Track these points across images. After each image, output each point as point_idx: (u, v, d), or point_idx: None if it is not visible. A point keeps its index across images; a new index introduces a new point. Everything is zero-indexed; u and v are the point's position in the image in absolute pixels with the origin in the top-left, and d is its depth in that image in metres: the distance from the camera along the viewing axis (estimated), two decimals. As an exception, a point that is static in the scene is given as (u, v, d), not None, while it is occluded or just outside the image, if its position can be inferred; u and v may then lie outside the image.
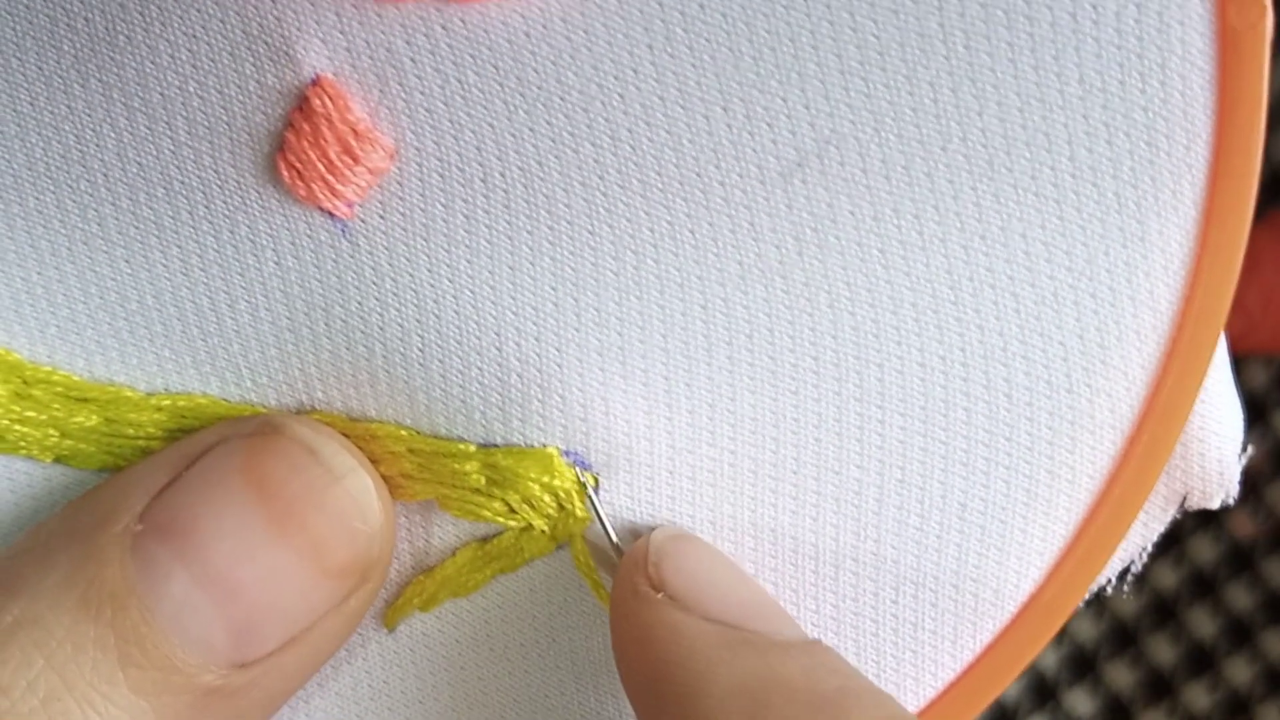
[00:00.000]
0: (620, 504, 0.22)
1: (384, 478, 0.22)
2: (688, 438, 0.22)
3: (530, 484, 0.21)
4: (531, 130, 0.21)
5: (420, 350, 0.21)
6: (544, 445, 0.21)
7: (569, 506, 0.22)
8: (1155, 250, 0.21)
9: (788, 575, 0.22)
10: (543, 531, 0.22)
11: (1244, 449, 0.24)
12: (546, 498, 0.22)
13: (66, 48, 0.20)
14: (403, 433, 0.22)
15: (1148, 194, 0.21)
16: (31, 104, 0.21)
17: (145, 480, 0.21)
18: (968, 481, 0.22)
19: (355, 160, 0.21)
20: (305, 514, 0.20)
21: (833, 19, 0.20)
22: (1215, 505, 0.24)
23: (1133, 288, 0.21)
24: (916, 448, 0.21)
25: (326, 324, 0.21)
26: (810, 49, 0.20)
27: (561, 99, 0.20)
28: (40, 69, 0.21)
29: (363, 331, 0.21)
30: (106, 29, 0.20)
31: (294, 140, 0.21)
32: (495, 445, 0.21)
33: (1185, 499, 0.24)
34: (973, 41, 0.20)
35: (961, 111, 0.20)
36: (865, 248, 0.21)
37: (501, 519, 0.22)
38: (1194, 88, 0.20)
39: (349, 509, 0.21)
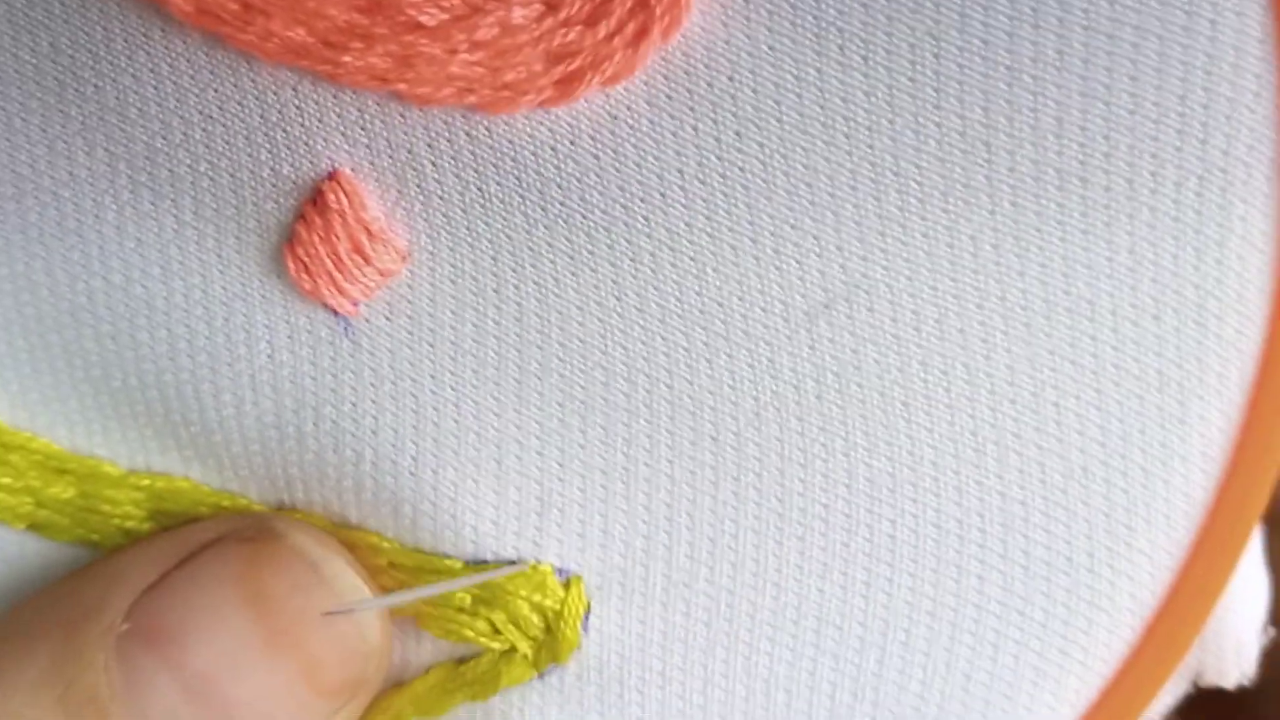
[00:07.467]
0: (609, 632, 0.21)
1: None
2: (685, 571, 0.21)
3: (520, 603, 0.20)
4: (550, 245, 0.20)
5: (413, 459, 0.20)
6: (537, 563, 0.20)
7: (557, 630, 0.21)
8: (1195, 435, 0.20)
9: None
10: (525, 656, 0.21)
11: (1266, 628, 0.23)
12: (534, 618, 0.21)
13: (74, 113, 0.20)
14: (385, 545, 0.21)
15: (1192, 375, 0.20)
16: (31, 167, 0.20)
17: (133, 574, 0.20)
18: (974, 652, 0.21)
19: (366, 260, 0.20)
20: (304, 634, 0.19)
21: (875, 160, 0.19)
22: (1230, 685, 0.23)
23: (1167, 471, 0.20)
24: (924, 611, 0.20)
25: (315, 423, 0.20)
26: (849, 189, 0.19)
27: (584, 217, 0.19)
28: (44, 132, 0.20)
29: (353, 435, 0.20)
30: (118, 99, 0.19)
31: (304, 233, 0.20)
32: (485, 562, 0.21)
33: (1198, 676, 0.23)
34: (1020, 199, 0.19)
35: (1001, 270, 0.19)
36: (888, 398, 0.20)
37: (485, 639, 0.21)
38: (1251, 269, 0.19)
39: (350, 631, 0.20)
